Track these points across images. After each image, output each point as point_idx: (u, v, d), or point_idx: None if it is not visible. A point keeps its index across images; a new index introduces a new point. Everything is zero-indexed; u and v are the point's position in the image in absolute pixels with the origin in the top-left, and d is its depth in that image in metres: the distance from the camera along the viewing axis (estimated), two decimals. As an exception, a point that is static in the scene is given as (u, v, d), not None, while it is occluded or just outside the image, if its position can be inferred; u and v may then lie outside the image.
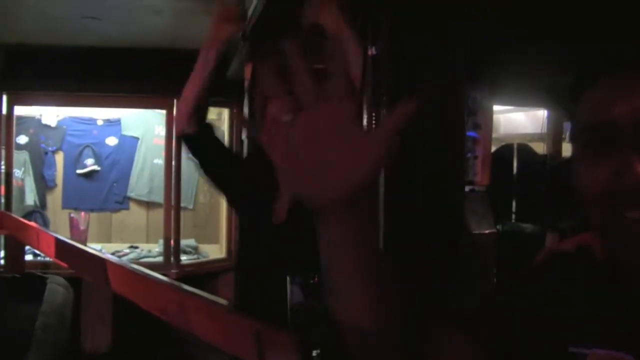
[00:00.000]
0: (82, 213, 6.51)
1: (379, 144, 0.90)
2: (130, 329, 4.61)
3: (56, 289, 4.25)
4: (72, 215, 6.54)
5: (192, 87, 2.59)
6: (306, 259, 1.60)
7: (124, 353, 5.09)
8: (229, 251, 6.48)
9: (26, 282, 4.37)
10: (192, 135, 2.58)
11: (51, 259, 4.29)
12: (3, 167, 6.05)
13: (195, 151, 2.64)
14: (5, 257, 5.37)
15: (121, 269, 2.94)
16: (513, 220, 6.26)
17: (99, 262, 3.24)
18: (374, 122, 2.11)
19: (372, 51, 2.14)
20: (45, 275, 4.49)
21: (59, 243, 3.87)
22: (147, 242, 6.75)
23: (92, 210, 6.72)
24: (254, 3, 4.20)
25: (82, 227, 6.34)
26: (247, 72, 5.07)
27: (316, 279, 2.15)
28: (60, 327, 3.76)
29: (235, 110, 6.21)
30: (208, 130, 2.65)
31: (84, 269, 3.55)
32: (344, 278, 0.99)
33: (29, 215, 6.42)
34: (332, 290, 1.00)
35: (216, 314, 2.18)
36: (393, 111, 0.92)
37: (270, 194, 2.43)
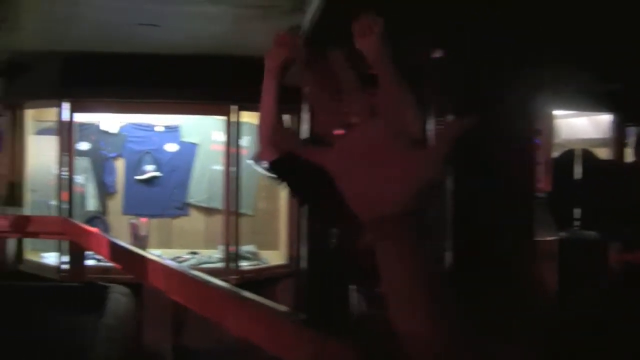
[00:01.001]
0: (143, 219, 6.57)
1: (429, 160, 0.88)
2: (191, 336, 4.62)
3: (119, 298, 4.27)
4: (132, 221, 6.60)
5: (263, 117, 2.60)
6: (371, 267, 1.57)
7: None
8: (288, 257, 6.48)
9: (88, 291, 4.39)
10: (275, 161, 2.58)
11: (112, 265, 4.32)
12: (65, 173, 6.14)
13: (280, 175, 2.64)
14: (67, 263, 5.44)
15: (180, 274, 2.93)
16: (575, 228, 6.12)
17: (158, 268, 3.24)
18: (430, 132, 2.07)
19: (436, 55, 2.10)
20: (107, 284, 4.52)
21: (118, 248, 3.89)
22: (207, 248, 6.77)
23: (152, 216, 6.78)
24: (312, 9, 4.19)
25: (142, 233, 6.40)
26: (304, 78, 5.06)
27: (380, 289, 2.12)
28: (124, 337, 3.77)
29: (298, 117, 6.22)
30: (289, 155, 2.64)
31: (143, 275, 3.55)
32: (400, 293, 0.96)
33: (90, 221, 6.48)
34: (390, 303, 0.98)
35: (277, 323, 2.15)
36: (447, 126, 0.89)
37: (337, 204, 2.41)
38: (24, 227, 5.08)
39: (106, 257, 4.12)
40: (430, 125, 2.19)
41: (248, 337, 2.27)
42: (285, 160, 2.58)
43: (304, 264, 4.50)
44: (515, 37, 2.20)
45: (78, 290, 4.52)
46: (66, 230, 4.85)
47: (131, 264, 3.66)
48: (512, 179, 2.18)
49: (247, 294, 2.50)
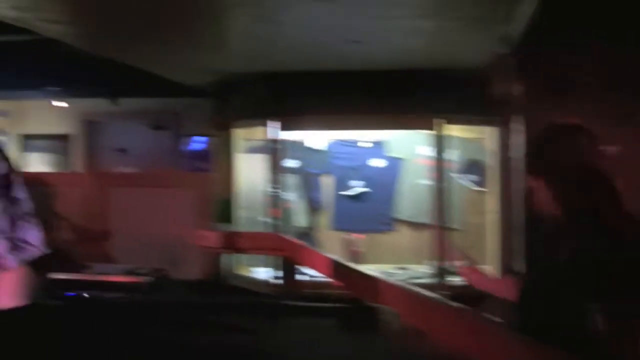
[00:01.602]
0: (358, 235, 6.59)
1: None
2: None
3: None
4: (347, 236, 6.64)
5: None
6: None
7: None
8: (500, 273, 6.28)
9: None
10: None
11: (327, 280, 4.32)
12: (274, 190, 6.26)
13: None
14: (281, 278, 5.52)
15: (408, 293, 2.86)
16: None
17: (378, 284, 3.19)
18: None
19: None
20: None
21: (335, 264, 3.88)
22: (414, 263, 6.69)
23: (359, 232, 6.78)
24: (522, 17, 4.04)
25: (357, 249, 6.41)
26: (514, 89, 4.90)
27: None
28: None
29: (504, 129, 6.03)
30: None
31: (362, 291, 3.51)
32: None
33: (298, 236, 6.57)
34: None
35: (522, 343, 2.03)
36: None
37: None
38: (240, 243, 5.21)
39: (323, 274, 4.12)
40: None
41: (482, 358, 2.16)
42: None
43: (524, 278, 4.32)
44: None
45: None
46: (282, 246, 4.91)
47: (352, 281, 3.63)
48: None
49: (482, 314, 2.39)
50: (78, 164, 10.55)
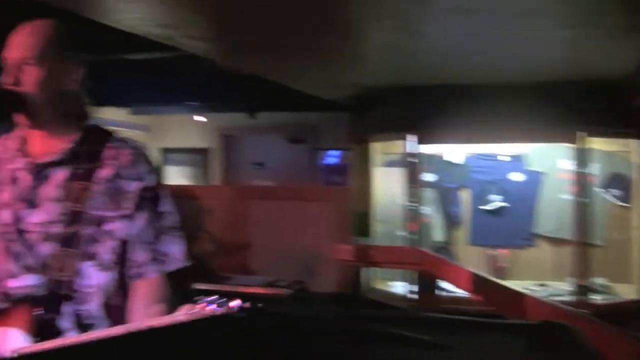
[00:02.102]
0: (502, 250, 6.50)
1: None
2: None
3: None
4: (491, 252, 6.56)
5: None
6: None
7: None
8: (643, 292, 6.07)
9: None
10: None
11: (467, 295, 4.28)
12: (412, 204, 6.25)
13: None
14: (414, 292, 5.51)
15: (556, 310, 2.81)
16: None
17: (527, 301, 3.14)
18: None
19: None
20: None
21: (479, 279, 3.85)
22: (555, 279, 6.52)
23: (498, 247, 6.68)
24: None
25: (502, 265, 6.32)
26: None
27: None
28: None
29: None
30: None
31: (507, 307, 3.46)
32: None
33: (436, 251, 6.53)
34: None
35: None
36: None
37: None
38: (378, 257, 5.23)
39: (464, 289, 4.09)
40: None
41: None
42: None
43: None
44: None
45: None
46: (422, 260, 4.89)
47: (496, 297, 3.59)
48: None
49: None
50: (216, 177, 10.85)
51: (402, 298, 6.36)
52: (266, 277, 6.54)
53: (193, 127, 10.79)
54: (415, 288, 5.62)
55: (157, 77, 7.62)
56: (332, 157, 10.17)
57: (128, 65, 6.19)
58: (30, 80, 2.03)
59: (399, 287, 6.56)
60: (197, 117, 10.52)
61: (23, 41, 2.07)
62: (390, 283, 6.76)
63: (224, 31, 4.72)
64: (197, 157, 10.97)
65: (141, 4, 3.88)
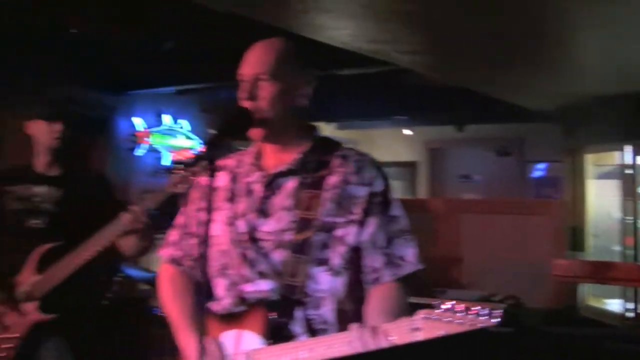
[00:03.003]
0: None
1: None
2: None
3: None
4: None
5: None
6: None
7: None
8: None
9: None
10: None
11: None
12: (629, 218, 5.97)
13: None
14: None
15: None
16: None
17: None
18: None
19: None
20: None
21: None
22: None
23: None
24: None
25: None
26: None
27: None
28: None
29: None
30: None
31: None
32: None
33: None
34: None
35: None
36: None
37: None
38: (597, 273, 5.04)
39: None
40: None
41: None
42: None
43: None
44: None
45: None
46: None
47: None
48: None
49: None
50: (423, 190, 10.86)
51: (619, 316, 6.06)
52: (480, 291, 6.41)
53: (400, 141, 10.87)
54: (633, 305, 5.37)
55: (364, 92, 7.73)
56: (540, 169, 9.91)
57: (336, 80, 6.31)
58: (264, 95, 2.11)
59: (615, 305, 6.26)
60: (404, 131, 10.58)
61: (258, 58, 2.15)
62: (605, 300, 6.47)
63: (436, 43, 4.69)
64: (404, 170, 11.02)
65: (353, 20, 3.95)
